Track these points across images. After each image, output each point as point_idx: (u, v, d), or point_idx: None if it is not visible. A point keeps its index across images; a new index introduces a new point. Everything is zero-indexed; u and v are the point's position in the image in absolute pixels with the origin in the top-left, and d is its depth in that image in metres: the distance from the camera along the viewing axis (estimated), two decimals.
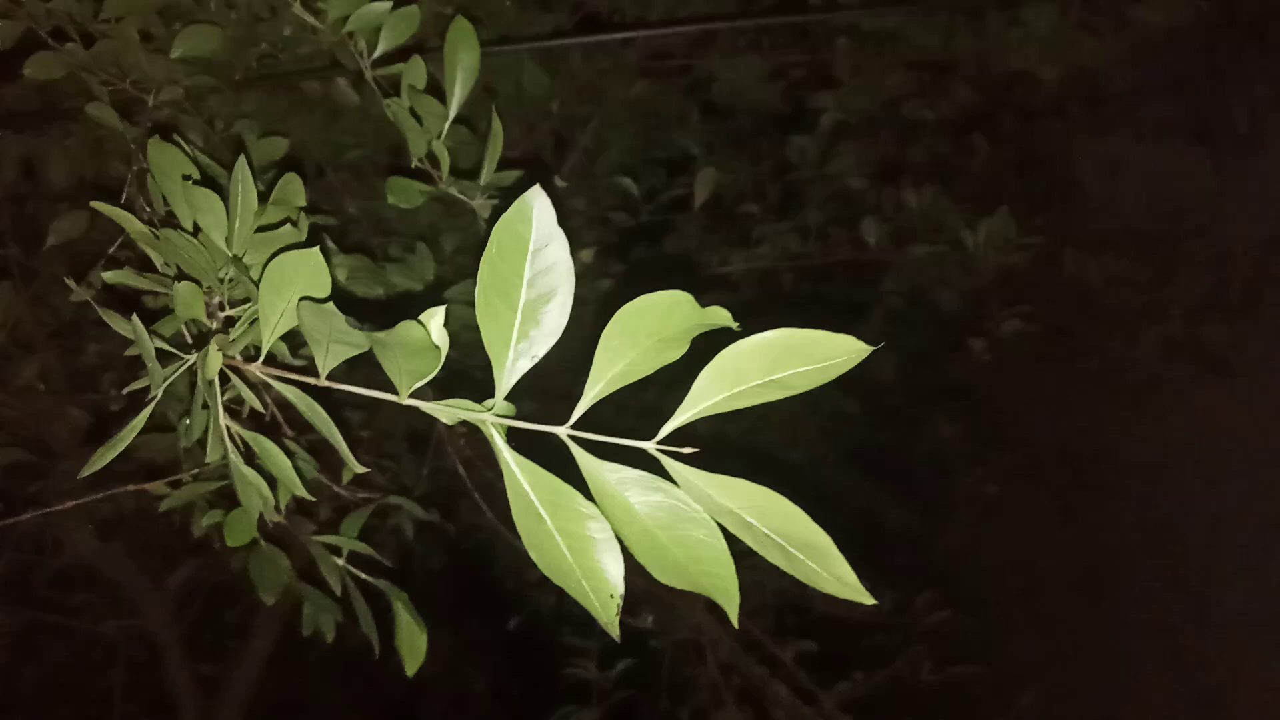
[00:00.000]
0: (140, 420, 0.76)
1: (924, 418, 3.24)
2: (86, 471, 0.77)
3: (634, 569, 0.64)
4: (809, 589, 0.63)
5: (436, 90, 1.21)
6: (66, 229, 2.09)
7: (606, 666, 2.51)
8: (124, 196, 1.33)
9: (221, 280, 0.79)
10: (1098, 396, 2.87)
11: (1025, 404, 3.04)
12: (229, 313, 0.79)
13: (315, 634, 1.37)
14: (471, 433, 2.07)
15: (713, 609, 2.94)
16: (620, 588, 0.62)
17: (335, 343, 0.62)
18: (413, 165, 1.21)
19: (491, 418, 0.63)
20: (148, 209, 1.29)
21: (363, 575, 1.13)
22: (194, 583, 3.01)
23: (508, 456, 0.62)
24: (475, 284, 0.60)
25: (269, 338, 0.67)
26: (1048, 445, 3.07)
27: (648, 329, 0.59)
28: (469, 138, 1.39)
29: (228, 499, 1.49)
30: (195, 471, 1.37)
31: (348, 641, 1.56)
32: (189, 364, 0.77)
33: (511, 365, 0.62)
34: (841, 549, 0.62)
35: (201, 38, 1.44)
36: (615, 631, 0.62)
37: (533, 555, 0.64)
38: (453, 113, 1.14)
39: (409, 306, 0.63)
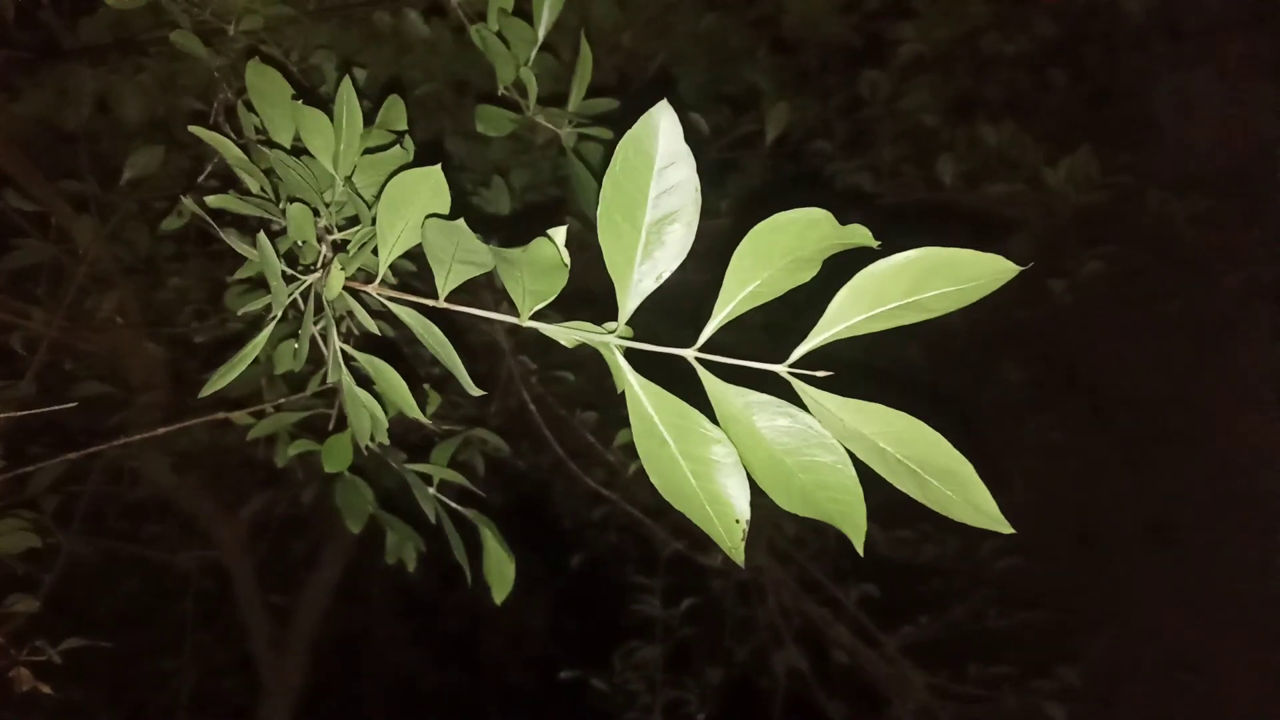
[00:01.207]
0: (262, 338, 0.76)
1: (992, 362, 3.18)
2: (207, 391, 0.77)
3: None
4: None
5: (521, 16, 1.19)
6: (143, 163, 2.11)
7: (670, 604, 2.53)
8: (210, 125, 1.33)
9: (328, 203, 0.78)
10: (1175, 340, 2.80)
11: (1099, 349, 2.97)
12: (336, 235, 0.78)
13: (398, 562, 1.39)
14: (543, 369, 2.07)
15: (774, 550, 2.94)
16: (746, 513, 0.60)
17: (460, 262, 0.61)
18: (499, 93, 1.19)
19: (615, 340, 0.62)
20: (238, 137, 1.29)
21: (453, 504, 1.13)
22: (265, 515, 3.07)
23: (631, 379, 0.61)
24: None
25: (387, 258, 0.66)
26: (1119, 390, 3.00)
27: (782, 247, 0.57)
28: (553, 66, 1.37)
29: (309, 430, 1.51)
30: (280, 402, 1.39)
31: (409, 577, 1.57)
32: (307, 284, 0.76)
33: (635, 286, 0.60)
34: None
35: None
36: (740, 557, 0.61)
37: (654, 480, 0.63)
38: (541, 37, 1.11)
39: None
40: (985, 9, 2.53)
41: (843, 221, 0.57)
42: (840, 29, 2.63)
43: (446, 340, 0.66)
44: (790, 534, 2.82)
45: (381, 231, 0.65)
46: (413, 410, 0.70)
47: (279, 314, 0.75)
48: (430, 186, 0.63)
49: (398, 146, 0.80)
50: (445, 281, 0.64)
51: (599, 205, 0.60)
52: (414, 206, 0.64)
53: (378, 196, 0.76)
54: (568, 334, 0.62)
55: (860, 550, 0.63)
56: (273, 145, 0.90)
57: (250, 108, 1.13)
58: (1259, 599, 2.19)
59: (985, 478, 0.59)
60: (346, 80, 0.80)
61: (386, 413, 0.83)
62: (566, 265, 0.60)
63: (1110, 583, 2.74)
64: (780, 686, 2.74)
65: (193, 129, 0.97)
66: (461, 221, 0.59)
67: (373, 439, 1.07)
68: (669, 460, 0.61)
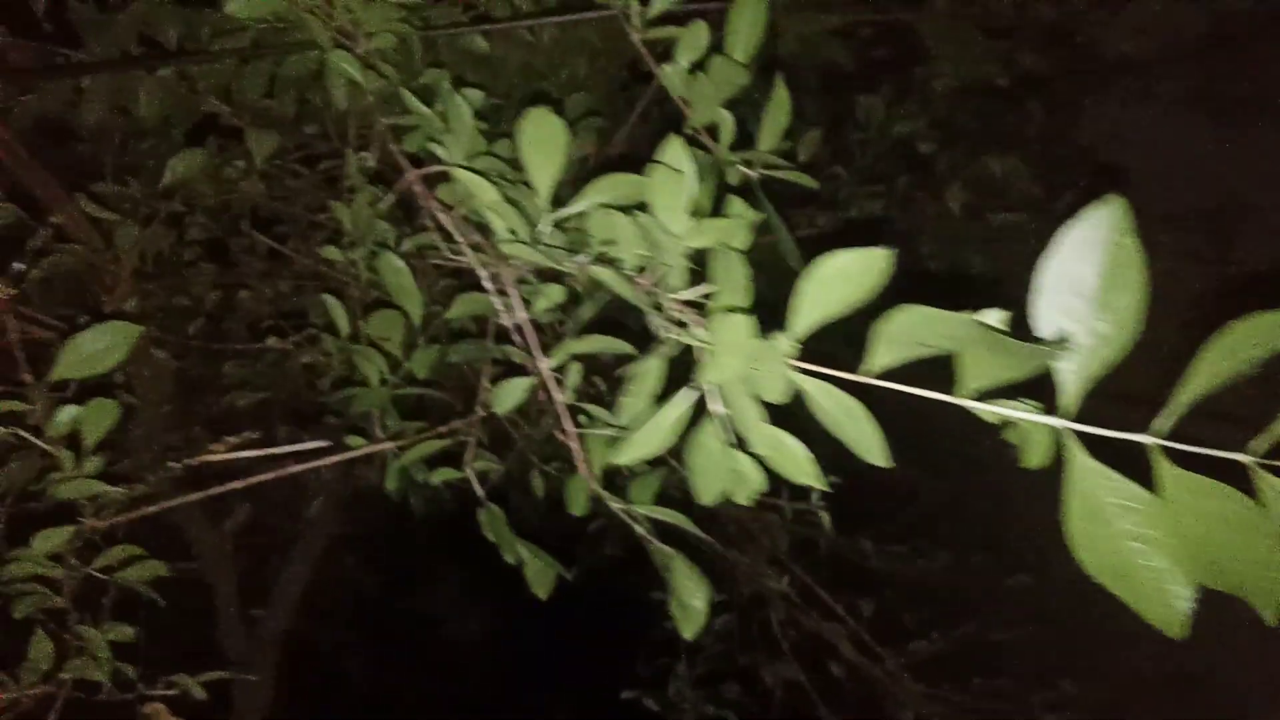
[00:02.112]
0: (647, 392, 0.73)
1: None
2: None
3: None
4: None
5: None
6: (183, 167, 2.03)
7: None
8: (367, 153, 1.28)
9: (666, 263, 0.77)
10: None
11: None
12: (679, 295, 0.77)
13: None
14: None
15: (775, 562, 2.99)
16: (1189, 596, 0.63)
17: (920, 344, 0.62)
18: (687, 132, 1.19)
19: (1063, 423, 0.64)
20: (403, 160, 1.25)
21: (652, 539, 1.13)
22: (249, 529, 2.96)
23: (1084, 463, 0.63)
24: None
25: (800, 332, 0.66)
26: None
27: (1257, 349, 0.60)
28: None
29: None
30: (445, 427, 1.36)
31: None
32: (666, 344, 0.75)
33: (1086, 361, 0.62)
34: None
35: None
36: (1185, 633, 0.64)
37: (1083, 557, 0.65)
38: (745, 79, 1.12)
39: None
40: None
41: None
42: (838, 54, 2.69)
43: (868, 419, 0.66)
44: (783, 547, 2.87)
45: (803, 307, 0.65)
46: (820, 481, 0.70)
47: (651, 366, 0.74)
48: (876, 270, 0.64)
49: (743, 211, 0.80)
50: (882, 358, 0.65)
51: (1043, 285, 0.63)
52: (848, 287, 0.65)
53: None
54: (1018, 415, 0.64)
55: (1271, 620, 0.66)
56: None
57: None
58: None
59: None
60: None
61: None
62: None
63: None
64: (778, 698, 2.79)
65: (455, 171, 0.94)
66: (983, 316, 0.59)
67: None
68: (1108, 541, 0.64)
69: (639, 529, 1.11)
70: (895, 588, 2.81)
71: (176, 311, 2.09)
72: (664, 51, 1.20)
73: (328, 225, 1.86)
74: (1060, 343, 0.58)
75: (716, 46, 1.19)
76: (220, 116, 1.99)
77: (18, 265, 0.99)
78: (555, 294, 0.99)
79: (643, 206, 0.91)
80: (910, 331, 0.62)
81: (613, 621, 2.94)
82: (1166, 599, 0.64)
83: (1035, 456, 0.67)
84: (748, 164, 1.18)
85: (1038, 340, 0.59)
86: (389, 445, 1.30)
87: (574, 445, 1.06)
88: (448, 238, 1.29)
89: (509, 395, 1.04)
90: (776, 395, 0.66)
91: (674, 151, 0.80)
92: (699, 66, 1.17)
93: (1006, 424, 0.68)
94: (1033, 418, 0.64)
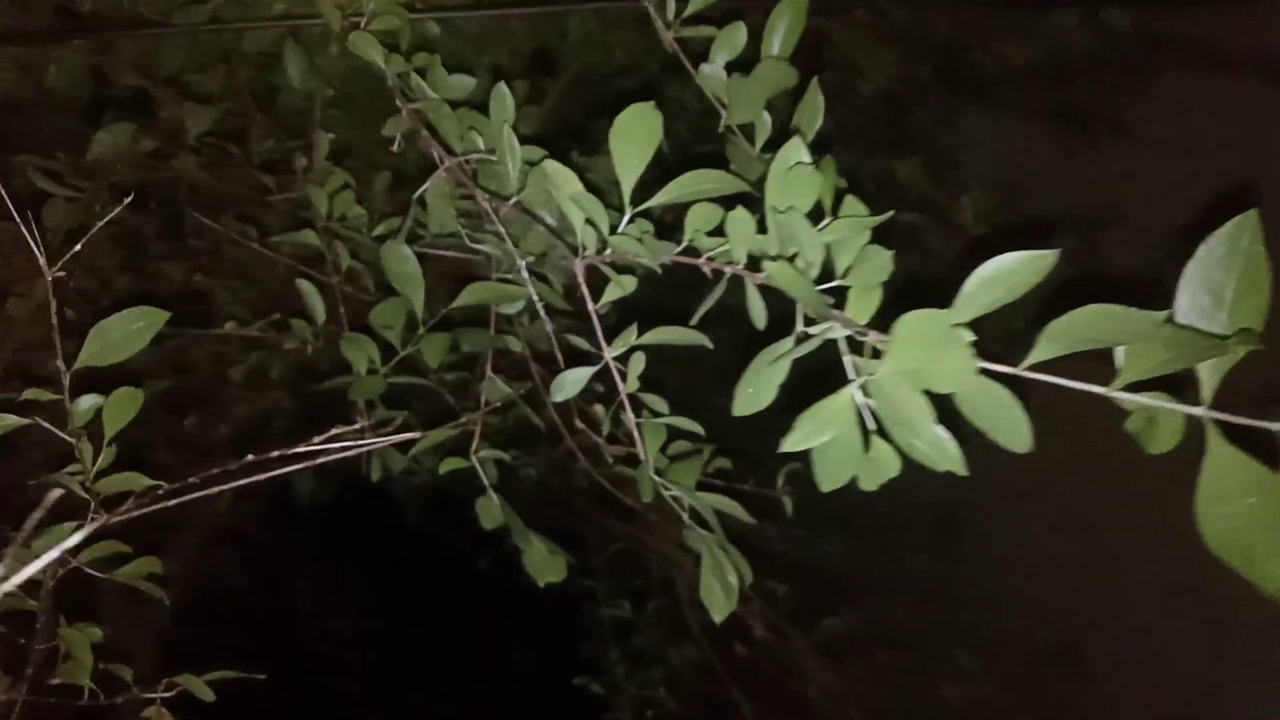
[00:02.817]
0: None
1: None
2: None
3: None
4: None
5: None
6: (111, 142, 1.93)
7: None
8: (397, 141, 1.25)
9: (803, 266, 0.80)
10: None
11: None
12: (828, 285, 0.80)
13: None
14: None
15: (683, 546, 3.06)
16: None
17: (1088, 340, 0.68)
18: (719, 130, 1.23)
19: (1205, 413, 0.71)
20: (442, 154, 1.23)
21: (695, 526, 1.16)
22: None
23: (1221, 448, 0.71)
24: None
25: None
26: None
27: None
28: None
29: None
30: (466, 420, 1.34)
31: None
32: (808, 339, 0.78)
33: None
34: None
35: None
36: None
37: (1207, 532, 0.72)
38: (793, 80, 1.16)
39: None
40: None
41: None
42: None
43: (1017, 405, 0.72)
44: None
45: (965, 303, 0.70)
46: (963, 468, 0.75)
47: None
48: (1042, 269, 0.69)
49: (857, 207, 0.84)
50: (1043, 353, 0.70)
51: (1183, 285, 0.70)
52: (1010, 284, 0.70)
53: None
54: (1161, 405, 0.71)
55: None
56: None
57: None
58: (1149, 579, 2.54)
59: None
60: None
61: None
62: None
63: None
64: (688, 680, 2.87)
65: (548, 163, 0.94)
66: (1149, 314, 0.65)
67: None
68: (1233, 519, 0.72)
69: (684, 515, 1.14)
70: (799, 570, 2.92)
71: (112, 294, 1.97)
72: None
73: (278, 208, 1.79)
74: (1246, 333, 0.65)
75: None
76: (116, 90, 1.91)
77: (77, 246, 0.93)
78: (628, 284, 1.00)
79: (729, 200, 0.95)
80: (1084, 327, 0.67)
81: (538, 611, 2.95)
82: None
83: (1163, 443, 0.74)
84: None
85: (1208, 335, 0.66)
86: (415, 435, 1.28)
87: (635, 433, 1.08)
88: (477, 226, 1.29)
89: (571, 384, 1.05)
90: (951, 385, 0.70)
91: (796, 149, 0.84)
92: (735, 66, 1.21)
93: (1133, 413, 0.75)
94: (1173, 407, 0.71)
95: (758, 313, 0.90)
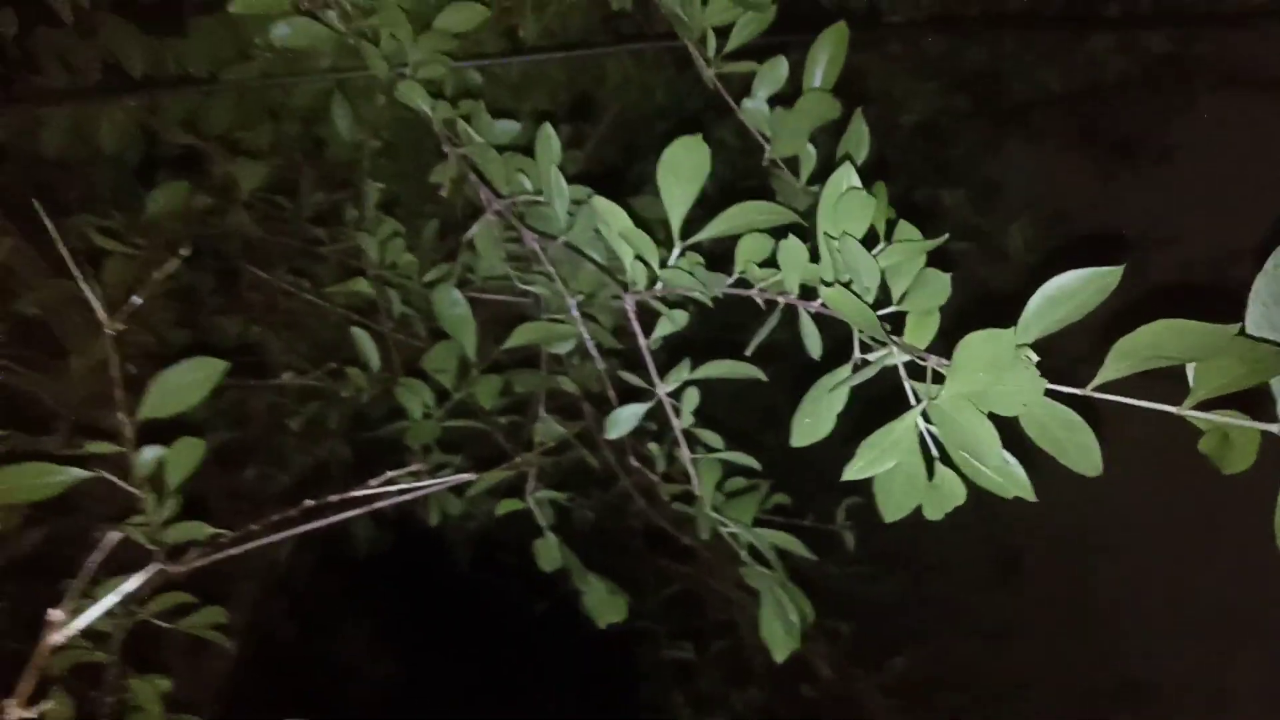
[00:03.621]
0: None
1: None
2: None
3: None
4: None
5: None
6: (164, 199, 1.97)
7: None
8: (444, 187, 1.27)
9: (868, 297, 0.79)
10: None
11: None
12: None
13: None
14: None
15: (743, 586, 3.02)
16: None
17: (1160, 357, 0.66)
18: (763, 163, 1.22)
19: None
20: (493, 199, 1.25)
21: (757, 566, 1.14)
22: None
23: None
24: None
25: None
26: None
27: None
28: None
29: None
30: (524, 457, 1.34)
31: None
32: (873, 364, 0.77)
33: None
34: None
35: (468, 13, 1.38)
36: None
37: None
38: (836, 112, 1.16)
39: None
40: None
41: None
42: None
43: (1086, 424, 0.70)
44: None
45: (1030, 322, 0.69)
46: (1031, 494, 0.73)
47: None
48: (1106, 287, 0.68)
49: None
50: (1112, 372, 0.68)
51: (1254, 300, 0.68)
52: (1075, 303, 0.68)
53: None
54: (1236, 423, 0.69)
55: None
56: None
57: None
58: (1219, 613, 2.46)
59: None
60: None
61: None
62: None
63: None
64: None
65: (595, 200, 0.95)
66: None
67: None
68: None
69: (742, 553, 1.13)
70: (863, 608, 2.87)
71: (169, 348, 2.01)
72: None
73: (329, 259, 1.82)
74: None
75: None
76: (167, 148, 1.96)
77: (135, 299, 0.95)
78: (680, 318, 1.00)
79: (778, 231, 0.94)
80: (1154, 344, 0.66)
81: (595, 655, 2.93)
82: None
83: (1238, 463, 0.72)
84: None
85: None
86: (470, 477, 1.28)
87: (691, 470, 1.07)
88: (525, 268, 1.29)
89: (624, 420, 1.05)
90: (1016, 408, 0.69)
91: (847, 175, 0.83)
92: (777, 100, 1.21)
93: (1206, 433, 0.72)
94: (1248, 424, 0.69)
95: (813, 341, 0.89)
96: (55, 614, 0.80)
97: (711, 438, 1.10)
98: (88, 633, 1.25)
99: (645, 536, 2.64)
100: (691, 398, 1.05)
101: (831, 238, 0.80)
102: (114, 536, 0.90)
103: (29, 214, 2.16)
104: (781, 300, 0.90)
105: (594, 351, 1.21)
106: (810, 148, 1.19)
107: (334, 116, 1.79)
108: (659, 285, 0.98)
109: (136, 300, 0.95)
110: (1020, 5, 2.70)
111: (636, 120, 2.18)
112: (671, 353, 1.14)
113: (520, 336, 1.30)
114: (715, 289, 0.94)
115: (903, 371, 0.76)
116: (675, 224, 0.96)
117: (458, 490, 1.55)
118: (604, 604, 1.35)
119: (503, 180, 1.25)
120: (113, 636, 1.25)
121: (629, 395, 1.17)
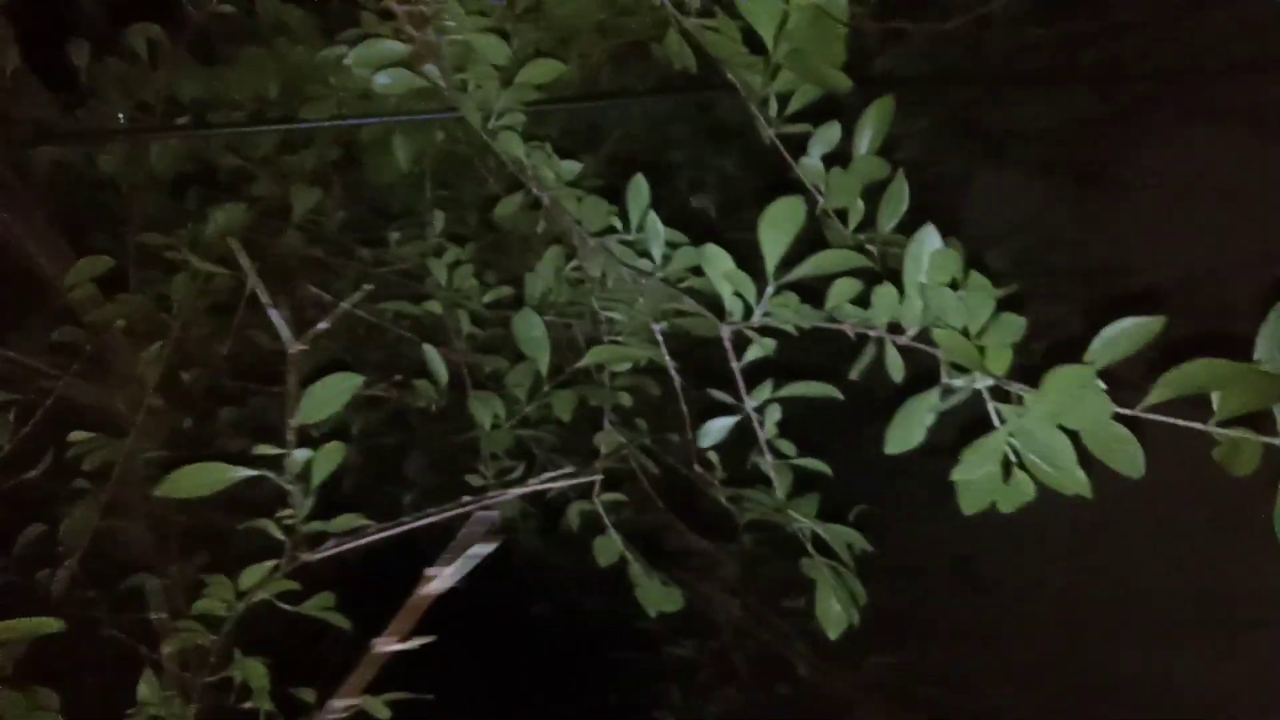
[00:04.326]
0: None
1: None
2: None
3: None
4: None
5: None
6: (224, 220, 2.10)
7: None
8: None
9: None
10: None
11: None
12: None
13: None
14: None
15: (728, 587, 3.20)
16: None
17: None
18: (816, 213, 1.41)
19: None
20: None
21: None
22: None
23: None
24: None
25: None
26: None
27: None
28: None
29: None
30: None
31: None
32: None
33: None
34: None
35: (547, 69, 1.55)
36: None
37: None
38: (885, 172, 1.35)
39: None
40: None
41: None
42: None
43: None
44: None
45: (1098, 355, 0.88)
46: (1088, 491, 0.92)
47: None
48: (1152, 332, 0.88)
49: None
50: (1157, 397, 0.88)
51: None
52: (1127, 344, 0.88)
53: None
54: (1244, 436, 0.89)
55: None
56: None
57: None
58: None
59: None
60: None
61: None
62: None
63: None
64: None
65: (707, 247, 1.13)
66: None
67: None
68: None
69: (808, 544, 1.31)
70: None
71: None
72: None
73: (388, 279, 1.97)
74: None
75: None
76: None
77: (323, 324, 1.10)
78: (768, 345, 1.18)
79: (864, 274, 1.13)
80: (1191, 377, 0.86)
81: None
82: None
83: (1245, 467, 0.92)
84: (870, 242, 1.42)
85: None
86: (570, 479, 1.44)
87: (773, 475, 1.25)
88: (583, 295, 1.47)
89: (715, 431, 1.23)
90: (1087, 425, 0.88)
91: (932, 233, 1.03)
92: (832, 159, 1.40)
93: (1220, 444, 0.93)
94: (1254, 437, 0.89)
95: (896, 369, 1.08)
96: (432, 571, 0.99)
97: (787, 446, 1.29)
98: (200, 617, 1.40)
99: (645, 538, 2.79)
100: (773, 412, 1.24)
101: (924, 286, 1.00)
102: (489, 515, 1.10)
103: (81, 233, 2.29)
104: (872, 334, 1.09)
105: (671, 370, 1.39)
106: (859, 202, 1.38)
107: (395, 148, 1.94)
108: (754, 317, 1.16)
109: (324, 325, 1.11)
110: (1001, 56, 2.91)
111: (691, 165, 2.35)
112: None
113: (595, 356, 1.48)
114: (812, 322, 1.13)
115: (986, 395, 0.96)
116: (770, 266, 1.14)
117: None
118: (658, 595, 1.52)
119: (591, 219, 1.42)
120: (227, 620, 1.39)
121: (701, 411, 1.35)
